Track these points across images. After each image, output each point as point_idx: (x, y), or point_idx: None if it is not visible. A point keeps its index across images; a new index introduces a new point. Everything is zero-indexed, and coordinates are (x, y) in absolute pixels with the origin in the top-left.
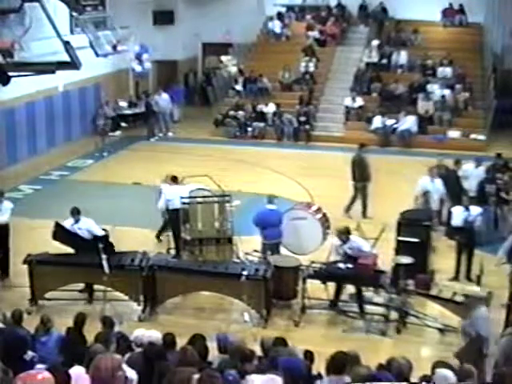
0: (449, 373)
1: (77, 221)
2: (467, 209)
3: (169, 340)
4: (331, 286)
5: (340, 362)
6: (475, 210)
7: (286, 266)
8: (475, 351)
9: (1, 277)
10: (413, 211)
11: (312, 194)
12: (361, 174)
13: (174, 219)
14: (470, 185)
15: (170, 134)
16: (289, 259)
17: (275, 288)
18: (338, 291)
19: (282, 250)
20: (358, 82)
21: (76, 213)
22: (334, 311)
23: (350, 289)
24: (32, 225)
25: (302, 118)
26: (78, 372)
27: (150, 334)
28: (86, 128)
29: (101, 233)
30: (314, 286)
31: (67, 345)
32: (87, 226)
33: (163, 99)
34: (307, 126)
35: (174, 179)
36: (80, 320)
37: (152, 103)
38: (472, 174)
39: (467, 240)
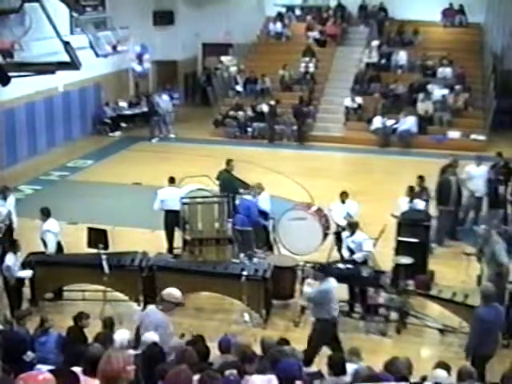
0: (444, 373)
1: (5, 198)
2: (411, 201)
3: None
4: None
5: (340, 363)
6: (420, 203)
7: (283, 265)
8: None
9: None
10: (413, 211)
11: (312, 194)
12: (446, 197)
13: (167, 220)
14: (476, 185)
15: (173, 135)
16: (286, 259)
17: (273, 287)
18: (353, 294)
19: (282, 251)
20: (358, 83)
21: (6, 190)
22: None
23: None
24: (32, 225)
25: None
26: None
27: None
28: (85, 128)
29: (15, 219)
30: None
31: (68, 344)
32: (12, 203)
33: (163, 100)
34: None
35: (171, 180)
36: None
37: (154, 103)
38: (476, 174)
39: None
